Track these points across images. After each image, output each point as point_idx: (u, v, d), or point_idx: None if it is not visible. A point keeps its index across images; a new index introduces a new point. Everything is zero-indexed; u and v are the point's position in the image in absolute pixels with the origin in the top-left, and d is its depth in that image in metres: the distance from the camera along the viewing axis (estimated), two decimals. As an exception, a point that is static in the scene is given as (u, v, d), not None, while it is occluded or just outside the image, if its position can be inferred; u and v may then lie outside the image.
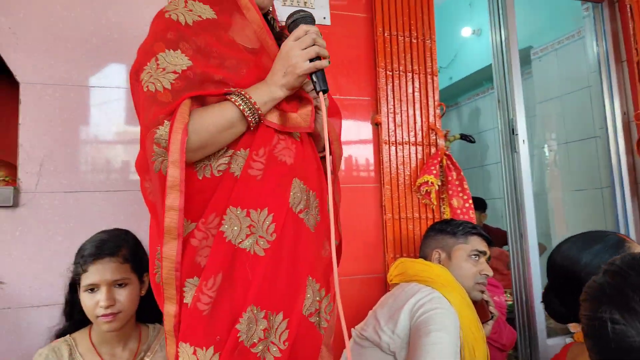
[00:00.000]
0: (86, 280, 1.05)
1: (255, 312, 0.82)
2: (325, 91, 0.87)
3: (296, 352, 0.86)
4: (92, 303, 1.05)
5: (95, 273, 1.05)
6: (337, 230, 1.04)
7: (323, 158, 1.08)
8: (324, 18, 1.76)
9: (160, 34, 0.88)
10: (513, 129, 2.22)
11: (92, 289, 1.05)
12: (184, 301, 0.84)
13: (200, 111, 0.83)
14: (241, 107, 0.84)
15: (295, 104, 0.93)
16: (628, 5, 2.26)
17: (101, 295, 1.04)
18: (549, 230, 3.29)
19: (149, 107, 0.82)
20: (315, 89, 0.88)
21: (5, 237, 1.29)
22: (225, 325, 0.81)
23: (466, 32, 3.83)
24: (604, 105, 2.49)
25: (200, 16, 0.91)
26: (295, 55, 0.86)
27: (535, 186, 3.56)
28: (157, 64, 0.84)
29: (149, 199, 0.89)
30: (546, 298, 1.04)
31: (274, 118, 0.90)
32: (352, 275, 1.64)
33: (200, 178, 0.86)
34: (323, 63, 0.87)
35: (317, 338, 0.89)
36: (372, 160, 1.75)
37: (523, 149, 2.20)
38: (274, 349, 0.83)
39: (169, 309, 0.83)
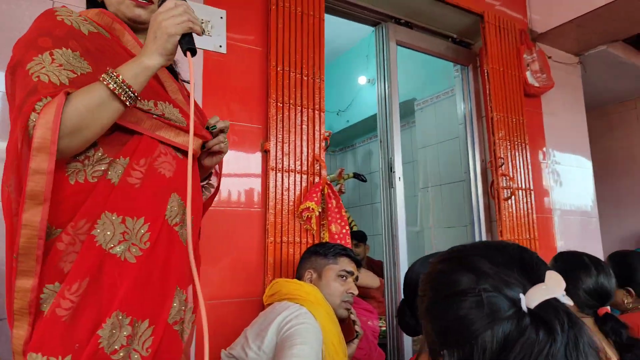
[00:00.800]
0: None
1: (120, 317, 0.82)
2: (193, 51, 0.88)
3: (158, 358, 0.86)
4: None
5: None
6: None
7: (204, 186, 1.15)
8: (220, 46, 1.83)
9: (47, 30, 0.87)
10: (391, 167, 2.45)
11: None
12: (40, 309, 0.80)
13: (70, 96, 0.81)
14: (110, 85, 0.82)
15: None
16: (485, 71, 2.67)
17: None
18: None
19: (28, 97, 0.80)
20: (182, 48, 0.87)
21: None
22: (86, 332, 0.80)
23: (362, 80, 4.17)
24: (468, 154, 2.87)
25: (95, 30, 0.94)
26: (165, 19, 0.85)
27: (415, 223, 3.91)
28: (52, 59, 0.83)
29: (8, 199, 0.85)
30: (399, 311, 1.15)
31: (165, 133, 0.94)
32: (231, 298, 1.65)
33: (72, 183, 0.85)
34: (195, 28, 0.88)
35: (179, 346, 0.91)
36: (258, 186, 1.82)
37: (399, 185, 2.44)
38: (136, 356, 0.83)
39: (24, 284, 0.79)
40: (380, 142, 2.55)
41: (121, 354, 0.81)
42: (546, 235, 2.77)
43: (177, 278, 0.92)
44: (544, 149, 2.92)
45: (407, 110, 3.98)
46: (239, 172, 1.79)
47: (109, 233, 0.84)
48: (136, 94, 0.85)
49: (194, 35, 0.90)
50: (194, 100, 0.92)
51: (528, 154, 2.70)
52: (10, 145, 0.83)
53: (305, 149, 1.90)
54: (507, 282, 0.56)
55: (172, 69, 1.10)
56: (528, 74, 2.83)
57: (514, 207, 2.56)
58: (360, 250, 3.26)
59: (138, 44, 0.98)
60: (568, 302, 0.55)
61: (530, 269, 0.58)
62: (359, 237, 3.32)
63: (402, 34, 2.65)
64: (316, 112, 1.96)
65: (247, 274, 1.70)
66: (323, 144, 1.96)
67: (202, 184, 1.18)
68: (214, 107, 1.78)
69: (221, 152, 1.11)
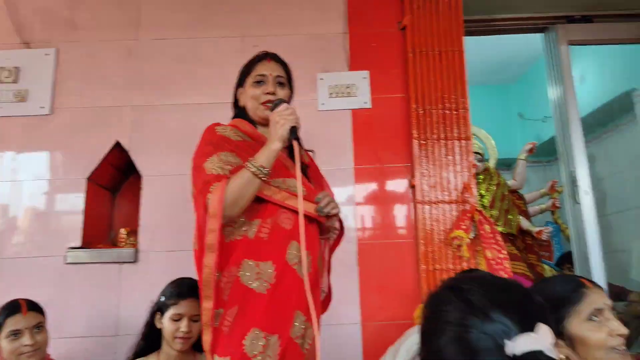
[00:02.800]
0: (174, 311, 1.51)
1: (257, 332, 1.17)
2: (297, 139, 1.28)
3: None
4: (174, 328, 1.50)
5: (182, 307, 1.51)
6: (326, 281, 1.43)
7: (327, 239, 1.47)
8: (365, 102, 2.12)
9: (209, 140, 1.33)
10: (574, 181, 2.23)
11: (178, 319, 1.51)
12: (215, 324, 1.22)
13: (229, 180, 1.20)
14: (252, 169, 1.20)
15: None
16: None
17: (183, 324, 1.49)
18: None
19: (205, 184, 1.21)
20: (290, 138, 1.25)
21: (128, 284, 1.88)
22: (237, 342, 1.16)
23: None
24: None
25: (241, 137, 1.37)
26: (281, 117, 1.26)
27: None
28: (219, 159, 1.27)
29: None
30: None
31: (288, 201, 1.29)
32: (389, 320, 1.86)
33: (227, 242, 1.27)
34: (299, 123, 1.28)
35: (300, 355, 1.20)
36: (408, 219, 2.00)
37: (586, 200, 2.20)
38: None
39: (207, 305, 1.18)
40: (560, 154, 2.35)
41: (259, 358, 1.15)
42: None
43: (296, 304, 1.23)
44: None
45: (625, 105, 3.40)
46: (390, 208, 2.02)
47: (248, 274, 1.22)
48: (268, 171, 1.22)
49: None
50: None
51: None
52: (196, 215, 1.28)
53: (452, 179, 1.98)
54: (495, 323, 0.57)
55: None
56: None
57: None
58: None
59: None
60: (554, 356, 0.55)
61: (525, 316, 0.58)
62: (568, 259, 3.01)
63: (576, 32, 2.41)
64: (462, 142, 2.02)
65: (402, 301, 1.88)
66: (472, 171, 2.00)
67: (325, 236, 1.46)
68: (364, 155, 2.07)
69: (335, 215, 1.38)
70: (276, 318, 1.19)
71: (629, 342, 2.95)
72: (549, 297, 0.99)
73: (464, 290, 0.64)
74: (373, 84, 2.14)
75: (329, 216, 1.34)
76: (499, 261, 1.83)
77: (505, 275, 1.82)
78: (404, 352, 1.38)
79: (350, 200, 2.04)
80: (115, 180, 2.19)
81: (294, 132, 1.26)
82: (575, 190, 2.23)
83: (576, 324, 1.01)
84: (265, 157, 1.22)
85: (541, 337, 0.56)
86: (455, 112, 2.05)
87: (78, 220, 1.96)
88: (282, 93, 1.39)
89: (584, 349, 0.97)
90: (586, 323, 1.00)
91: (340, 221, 1.49)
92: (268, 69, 1.40)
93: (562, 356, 0.54)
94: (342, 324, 1.87)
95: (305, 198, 1.28)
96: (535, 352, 0.54)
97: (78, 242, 1.94)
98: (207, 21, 2.20)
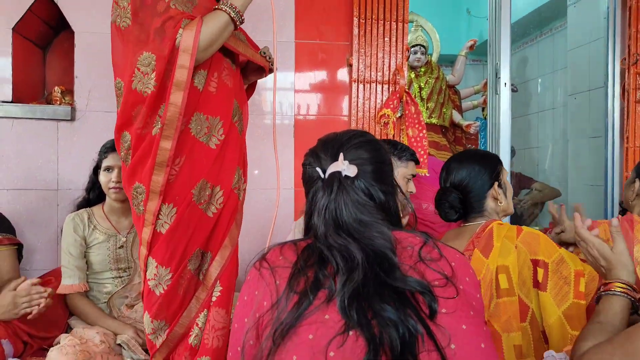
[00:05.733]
0: (106, 163, 1.60)
1: (205, 183, 1.23)
2: None
3: (225, 210, 1.29)
4: (106, 180, 1.60)
5: (112, 159, 1.59)
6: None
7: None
8: (309, -26, 2.09)
9: None
10: (497, 73, 2.41)
11: (109, 169, 1.60)
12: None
13: (204, 20, 1.14)
14: (230, 14, 1.16)
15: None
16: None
17: (114, 174, 1.59)
18: (565, 174, 3.41)
19: (172, 18, 1.12)
20: None
21: (65, 143, 1.91)
22: (186, 189, 1.21)
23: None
24: (607, 54, 2.54)
25: None
26: None
27: (564, 134, 3.60)
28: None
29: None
30: None
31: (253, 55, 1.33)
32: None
33: None
34: None
35: (237, 203, 1.32)
36: (344, 97, 2.12)
37: (505, 92, 2.40)
38: (212, 207, 1.27)
39: (165, 145, 1.14)
40: (489, 48, 2.50)
41: (204, 206, 1.24)
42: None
43: (237, 159, 1.34)
44: None
45: (559, 10, 3.54)
46: (327, 85, 2.12)
47: (198, 127, 1.20)
48: (243, 19, 1.20)
49: None
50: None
51: (683, 46, 2.27)
52: (155, 49, 1.14)
53: (387, 60, 2.09)
54: (320, 160, 0.86)
55: None
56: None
57: (650, 111, 2.26)
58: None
59: None
60: (350, 173, 0.81)
61: (333, 152, 0.84)
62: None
63: None
64: (399, 24, 2.10)
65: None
66: (406, 54, 2.11)
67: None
68: (305, 30, 2.10)
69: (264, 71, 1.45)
70: (222, 171, 1.26)
71: (526, 224, 3.44)
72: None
73: (316, 143, 0.92)
74: (319, -45, 2.10)
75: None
76: (419, 139, 2.03)
77: (423, 152, 2.05)
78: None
79: (289, 72, 2.11)
80: (45, 37, 2.08)
81: None
82: (497, 83, 2.42)
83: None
84: (242, 2, 1.19)
85: (339, 163, 0.82)
86: (396, -6, 2.09)
87: (6, 74, 1.90)
88: None
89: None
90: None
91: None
92: None
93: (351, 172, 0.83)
94: (274, 188, 2.06)
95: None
96: (334, 172, 0.82)
97: (8, 97, 1.91)
98: None
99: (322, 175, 0.83)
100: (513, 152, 3.43)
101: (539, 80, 4.03)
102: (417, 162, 1.72)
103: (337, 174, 0.82)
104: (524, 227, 1.28)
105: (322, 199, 0.81)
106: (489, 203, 1.37)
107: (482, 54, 4.71)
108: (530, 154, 4.15)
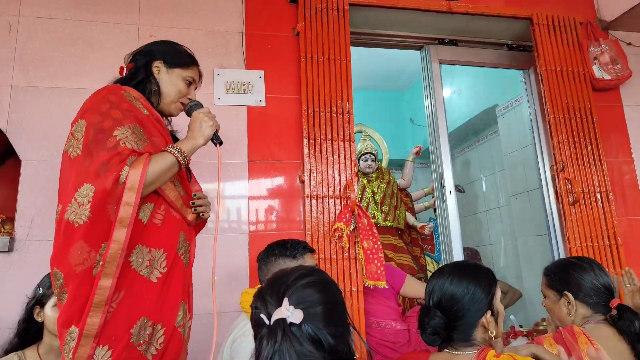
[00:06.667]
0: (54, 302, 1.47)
1: (145, 321, 1.16)
2: (221, 143, 1.36)
3: (168, 351, 1.22)
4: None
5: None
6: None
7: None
8: (260, 100, 2.24)
9: (120, 106, 1.25)
10: (442, 182, 2.55)
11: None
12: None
13: (152, 159, 1.19)
14: (178, 157, 1.23)
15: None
16: (539, 73, 2.60)
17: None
18: (520, 271, 3.48)
19: (120, 154, 1.15)
20: (214, 142, 1.34)
21: (3, 274, 1.78)
22: (122, 329, 1.13)
23: (447, 92, 4.24)
24: (537, 159, 2.77)
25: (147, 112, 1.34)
26: (207, 119, 1.32)
27: (510, 233, 3.75)
28: (132, 131, 1.21)
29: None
30: None
31: (176, 200, 1.31)
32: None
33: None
34: (218, 128, 1.36)
35: (182, 342, 1.26)
36: (298, 212, 2.15)
37: (450, 199, 2.52)
38: (152, 349, 1.19)
39: (105, 283, 1.10)
40: (432, 157, 2.67)
41: (144, 347, 1.16)
42: (637, 239, 2.52)
43: (182, 293, 1.28)
44: (628, 143, 2.67)
45: (490, 119, 3.92)
46: (282, 202, 2.15)
47: (140, 260, 1.19)
48: (189, 161, 1.28)
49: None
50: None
51: (600, 152, 2.52)
52: (96, 184, 1.13)
53: (337, 176, 2.17)
54: (266, 304, 0.83)
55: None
56: (595, 67, 2.65)
57: (584, 212, 2.42)
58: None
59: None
60: (295, 320, 0.78)
61: (278, 296, 0.82)
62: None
63: (445, 53, 2.75)
64: (346, 142, 2.22)
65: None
66: (355, 169, 2.21)
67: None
68: (258, 151, 2.18)
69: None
70: (165, 307, 1.21)
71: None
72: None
73: (265, 282, 0.91)
74: (268, 84, 2.26)
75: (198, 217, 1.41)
76: (374, 251, 2.05)
77: (379, 263, 2.05)
78: (227, 349, 1.49)
79: (244, 193, 2.14)
80: (-12, 165, 2.05)
81: (216, 136, 1.34)
82: (442, 191, 2.55)
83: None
84: (189, 148, 1.27)
85: (282, 309, 0.79)
86: (341, 116, 2.25)
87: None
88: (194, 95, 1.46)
89: None
90: None
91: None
92: (198, 76, 1.47)
93: (297, 319, 0.80)
94: (227, 311, 1.96)
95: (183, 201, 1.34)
96: (278, 319, 0.79)
97: (-59, 230, 1.80)
98: (99, 4, 2.15)
99: (267, 322, 0.80)
100: (462, 190, 3.46)
101: (483, 181, 4.29)
102: (312, 250, 1.63)
103: (281, 321, 0.78)
104: (519, 357, 1.10)
105: (266, 349, 0.77)
106: (478, 332, 1.15)
107: (429, 157, 5.06)
108: (484, 251, 4.26)
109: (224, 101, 2.20)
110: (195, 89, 1.47)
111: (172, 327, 1.22)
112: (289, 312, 0.79)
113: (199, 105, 1.40)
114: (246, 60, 2.25)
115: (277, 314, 0.79)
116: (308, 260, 1.57)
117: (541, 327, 2.44)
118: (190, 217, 1.35)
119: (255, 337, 0.83)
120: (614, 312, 1.38)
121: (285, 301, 0.80)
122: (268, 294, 0.84)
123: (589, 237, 2.39)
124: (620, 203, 2.55)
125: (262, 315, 0.81)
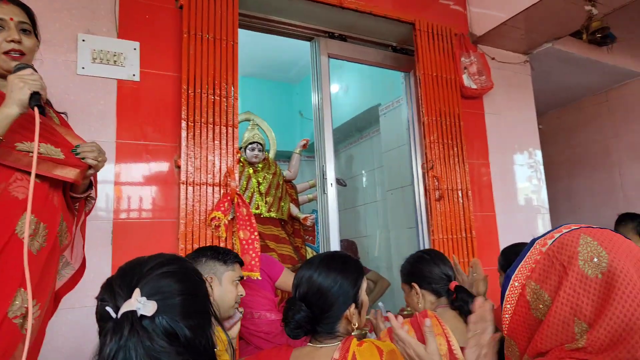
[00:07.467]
0: None
1: None
2: (41, 108, 1.17)
3: None
4: None
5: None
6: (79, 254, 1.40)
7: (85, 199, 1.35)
8: (133, 75, 2.03)
9: None
10: (324, 174, 2.59)
11: None
12: None
13: None
14: None
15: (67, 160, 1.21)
16: (417, 76, 2.78)
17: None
18: (391, 261, 3.70)
19: None
20: (30, 105, 1.15)
21: None
22: None
23: (334, 88, 4.33)
24: (411, 158, 2.96)
25: None
26: (23, 81, 1.14)
27: (385, 225, 3.97)
28: None
29: None
30: None
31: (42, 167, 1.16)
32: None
33: None
34: (43, 92, 1.17)
35: (17, 336, 1.10)
36: (172, 199, 2.01)
37: (331, 191, 2.57)
38: None
39: None
40: (316, 150, 2.70)
41: None
42: (488, 233, 2.84)
43: (21, 281, 1.11)
44: (486, 148, 2.99)
45: (373, 118, 4.11)
46: (154, 188, 1.99)
47: None
48: (1, 139, 1.10)
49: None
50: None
51: (464, 154, 2.78)
52: None
53: (217, 163, 2.07)
54: (114, 295, 0.75)
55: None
56: (465, 76, 2.91)
57: (447, 207, 2.64)
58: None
59: None
60: (146, 312, 0.72)
61: (129, 287, 0.75)
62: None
63: (334, 47, 2.79)
64: (229, 128, 2.13)
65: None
66: (237, 157, 2.13)
67: (83, 195, 1.38)
68: (129, 130, 1.98)
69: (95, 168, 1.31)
70: None
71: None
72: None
73: (116, 271, 0.83)
74: (144, 58, 2.06)
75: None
76: (250, 241, 2.00)
77: (254, 254, 2.00)
78: None
79: (110, 177, 1.93)
80: None
81: (35, 98, 1.16)
82: (324, 183, 2.59)
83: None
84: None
85: (132, 301, 0.73)
86: (225, 99, 2.14)
87: None
88: (28, 42, 1.28)
89: None
90: None
91: (94, 186, 1.41)
92: (8, 13, 1.24)
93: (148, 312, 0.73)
94: (87, 306, 1.76)
95: (62, 162, 1.20)
96: (127, 312, 0.71)
97: None
98: None
99: (113, 315, 0.71)
100: (343, 184, 3.59)
101: (364, 176, 4.49)
102: (241, 263, 1.68)
103: (129, 314, 0.71)
104: (379, 344, 1.16)
105: (109, 345, 0.68)
106: (342, 324, 1.17)
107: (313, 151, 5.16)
108: (361, 242, 4.48)
109: (89, 71, 1.95)
110: (23, 29, 1.27)
111: (3, 316, 1.08)
112: (139, 304, 0.72)
113: (26, 68, 1.22)
114: (119, 29, 2.02)
115: (125, 307, 0.72)
116: (237, 271, 1.62)
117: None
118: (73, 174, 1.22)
119: (100, 333, 0.74)
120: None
121: (137, 292, 0.73)
122: (118, 284, 0.76)
123: (450, 230, 2.63)
124: (477, 200, 2.84)
125: (109, 308, 0.72)
